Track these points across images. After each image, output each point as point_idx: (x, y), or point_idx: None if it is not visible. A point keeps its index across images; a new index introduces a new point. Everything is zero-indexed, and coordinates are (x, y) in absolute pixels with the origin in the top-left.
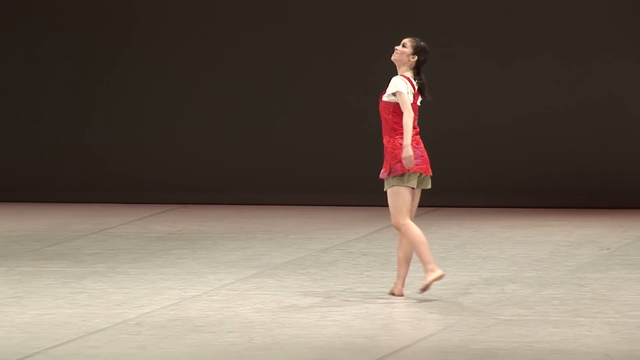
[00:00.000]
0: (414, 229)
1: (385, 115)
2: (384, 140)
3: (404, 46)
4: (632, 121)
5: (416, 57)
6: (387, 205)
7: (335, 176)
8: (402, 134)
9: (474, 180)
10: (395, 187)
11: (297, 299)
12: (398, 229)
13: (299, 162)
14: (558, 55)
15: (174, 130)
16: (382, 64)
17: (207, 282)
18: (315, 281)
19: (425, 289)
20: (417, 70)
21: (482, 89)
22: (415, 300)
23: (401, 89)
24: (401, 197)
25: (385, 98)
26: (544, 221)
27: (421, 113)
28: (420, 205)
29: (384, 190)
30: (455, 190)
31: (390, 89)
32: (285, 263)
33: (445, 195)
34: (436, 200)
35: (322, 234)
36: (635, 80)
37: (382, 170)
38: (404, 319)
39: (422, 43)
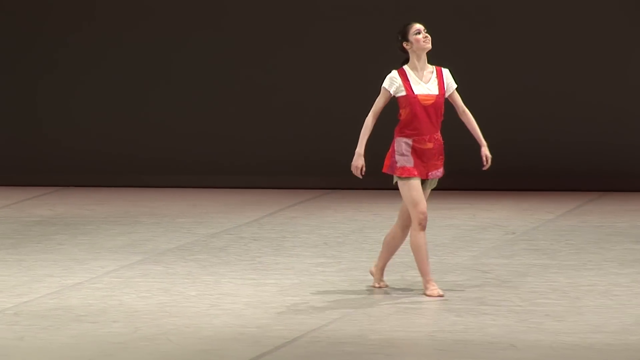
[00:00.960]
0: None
1: (441, 109)
2: (435, 136)
3: (427, 32)
4: (538, 104)
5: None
6: (276, 187)
7: (224, 157)
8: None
9: (371, 161)
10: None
11: (185, 287)
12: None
13: (183, 143)
14: None
15: (50, 110)
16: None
17: (89, 269)
18: (204, 268)
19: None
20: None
21: None
22: (309, 287)
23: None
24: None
25: (448, 93)
26: (446, 204)
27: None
28: (314, 188)
29: (429, 189)
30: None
31: (452, 82)
32: (173, 249)
33: (341, 177)
34: (332, 182)
35: (211, 218)
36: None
37: (439, 170)
38: (298, 308)
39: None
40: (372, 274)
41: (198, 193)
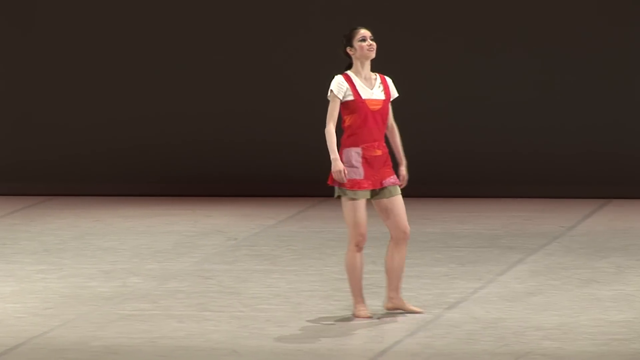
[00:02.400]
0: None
1: (387, 115)
2: (383, 143)
3: (373, 40)
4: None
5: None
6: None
7: None
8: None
9: (89, 167)
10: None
11: None
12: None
13: None
14: None
15: None
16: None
17: None
18: None
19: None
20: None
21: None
22: (30, 294)
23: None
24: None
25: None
26: (167, 210)
27: None
28: (34, 194)
29: (395, 196)
30: (72, 178)
31: (394, 91)
32: None
33: (62, 183)
34: (52, 189)
35: None
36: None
37: (392, 177)
38: (19, 315)
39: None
40: (392, 307)
41: None
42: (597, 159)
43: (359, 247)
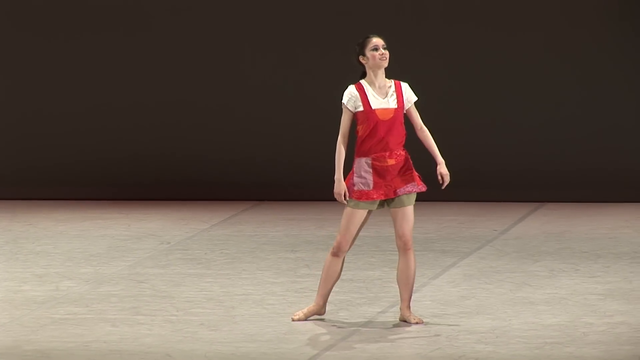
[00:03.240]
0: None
1: (399, 124)
2: (397, 152)
3: (385, 49)
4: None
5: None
6: None
7: None
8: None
9: (21, 171)
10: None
11: None
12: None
13: None
14: None
15: None
16: None
17: None
18: None
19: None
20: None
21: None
22: None
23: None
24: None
25: (407, 107)
26: (101, 214)
27: None
28: None
29: (407, 206)
30: (4, 181)
31: (411, 95)
32: None
33: None
34: None
35: None
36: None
37: (410, 185)
38: None
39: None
40: (405, 318)
41: None
42: (530, 162)
43: (334, 253)
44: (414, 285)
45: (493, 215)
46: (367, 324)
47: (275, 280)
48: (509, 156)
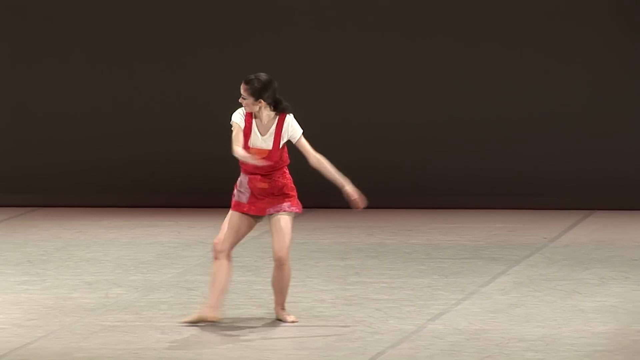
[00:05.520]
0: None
1: (276, 159)
2: (270, 177)
3: (243, 98)
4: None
5: (261, 101)
6: None
7: None
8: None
9: (72, 178)
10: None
11: None
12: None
13: None
14: None
15: None
16: None
17: None
18: None
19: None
20: (275, 104)
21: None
22: (13, 306)
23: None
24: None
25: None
26: (150, 221)
27: None
28: (18, 206)
29: (281, 222)
30: (55, 189)
31: (295, 131)
32: None
33: (44, 194)
34: (35, 200)
35: None
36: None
37: (282, 205)
38: (2, 326)
39: (259, 80)
40: (280, 317)
41: None
42: (580, 170)
43: (215, 254)
44: (288, 290)
45: (543, 222)
46: (416, 331)
47: (324, 288)
48: (559, 165)
